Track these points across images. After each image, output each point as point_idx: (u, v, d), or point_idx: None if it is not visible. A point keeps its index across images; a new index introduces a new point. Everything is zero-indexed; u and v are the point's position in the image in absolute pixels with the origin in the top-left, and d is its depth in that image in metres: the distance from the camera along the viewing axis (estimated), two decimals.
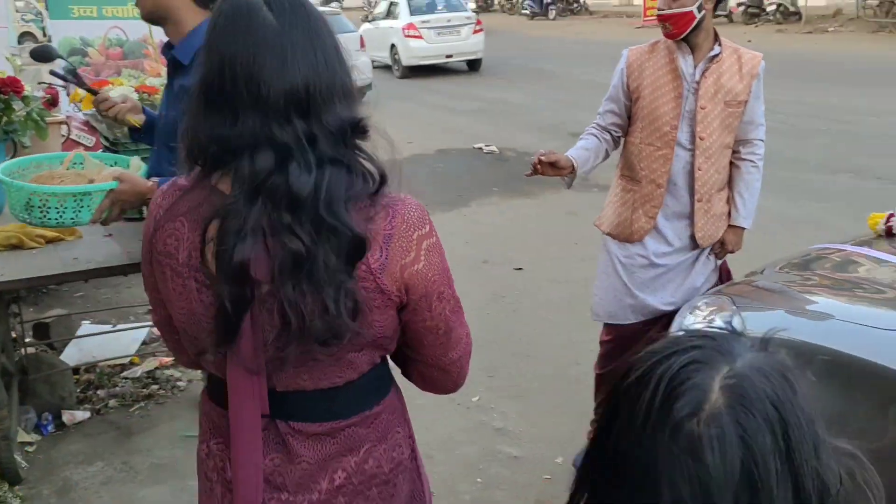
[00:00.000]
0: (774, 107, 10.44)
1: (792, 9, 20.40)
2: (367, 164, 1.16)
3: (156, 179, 2.06)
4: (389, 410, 1.32)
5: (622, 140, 2.91)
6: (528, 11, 27.04)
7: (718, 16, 21.56)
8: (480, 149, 9.04)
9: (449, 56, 14.58)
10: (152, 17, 2.30)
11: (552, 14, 26.20)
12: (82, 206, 2.05)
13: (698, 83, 2.66)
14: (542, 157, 2.63)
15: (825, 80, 12.16)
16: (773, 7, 20.65)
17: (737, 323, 2.05)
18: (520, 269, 5.39)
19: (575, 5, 27.08)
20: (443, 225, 7.00)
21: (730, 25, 21.36)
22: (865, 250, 2.26)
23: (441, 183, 7.75)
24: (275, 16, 1.11)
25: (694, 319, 2.25)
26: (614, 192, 2.94)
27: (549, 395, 3.69)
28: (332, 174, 1.10)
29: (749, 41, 18.22)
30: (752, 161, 2.79)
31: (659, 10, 2.60)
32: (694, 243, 2.80)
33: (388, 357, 1.33)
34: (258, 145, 1.09)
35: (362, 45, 12.77)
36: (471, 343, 1.34)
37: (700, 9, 2.56)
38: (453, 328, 1.26)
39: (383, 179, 1.16)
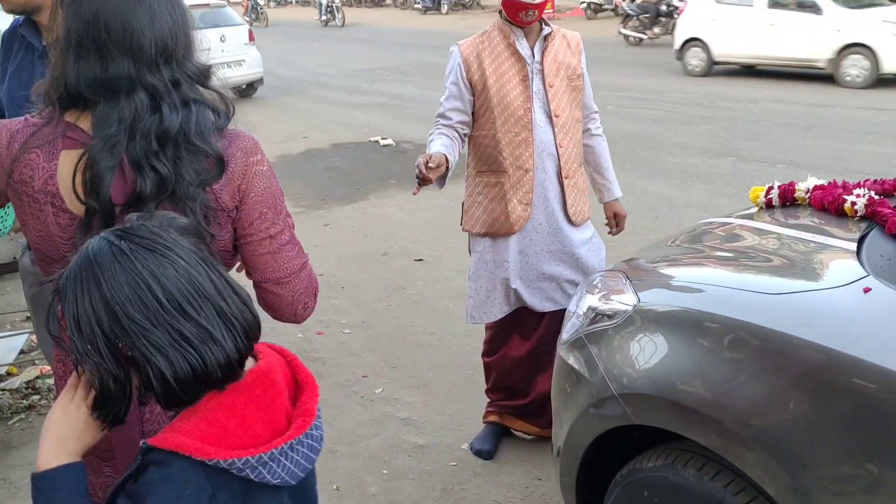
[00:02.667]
0: (661, 96, 10.87)
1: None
2: (219, 103, 1.37)
3: None
4: None
5: (466, 138, 2.84)
6: (420, 6, 27.07)
7: (605, 9, 22.24)
8: (377, 142, 8.98)
9: None
10: (24, 10, 2.20)
11: (444, 8, 26.33)
12: None
13: (541, 63, 2.71)
14: (431, 165, 2.49)
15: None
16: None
17: (627, 298, 2.08)
18: (420, 260, 5.37)
19: (467, 0, 27.29)
20: (341, 220, 6.93)
21: (616, 18, 22.00)
22: (748, 222, 2.34)
23: (338, 177, 7.64)
24: None
25: (592, 297, 2.27)
26: (476, 190, 2.86)
27: (452, 384, 3.68)
28: (199, 111, 1.30)
29: None
30: (600, 135, 2.95)
31: None
32: (567, 225, 2.81)
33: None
34: (133, 89, 1.25)
35: (251, 38, 12.42)
36: (311, 277, 1.49)
37: None
38: (280, 249, 1.43)
39: (230, 114, 1.38)
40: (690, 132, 8.65)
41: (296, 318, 1.50)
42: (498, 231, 2.82)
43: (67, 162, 1.27)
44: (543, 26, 2.75)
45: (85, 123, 1.28)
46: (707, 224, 2.50)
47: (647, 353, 1.93)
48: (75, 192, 1.25)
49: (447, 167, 2.61)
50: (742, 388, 1.69)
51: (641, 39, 16.58)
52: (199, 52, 1.38)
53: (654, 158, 7.57)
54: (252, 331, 1.12)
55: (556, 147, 2.73)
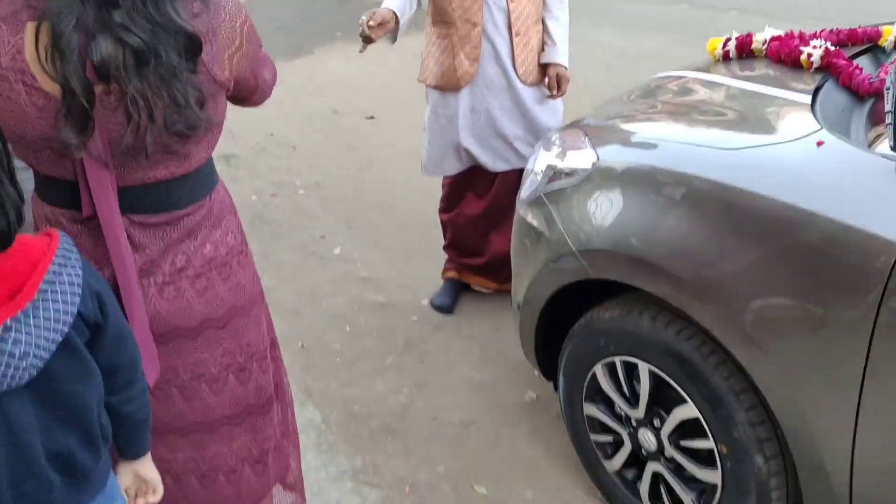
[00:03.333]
0: None
1: None
2: None
3: None
4: (220, 200, 1.46)
5: None
6: None
7: None
8: None
9: None
10: None
11: None
12: None
13: None
14: (371, 23, 2.43)
15: None
16: None
17: (587, 155, 2.10)
18: (371, 117, 5.28)
19: None
20: (287, 75, 6.63)
21: None
22: (704, 75, 2.34)
23: (281, 30, 7.33)
24: None
25: (549, 154, 2.28)
26: (430, 41, 2.80)
27: (410, 241, 3.73)
28: None
29: None
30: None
31: None
32: (519, 83, 2.76)
33: None
34: None
35: None
36: (274, 67, 1.54)
37: None
38: (262, 74, 1.45)
39: None
40: None
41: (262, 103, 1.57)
42: (447, 84, 2.78)
43: (35, 34, 1.15)
44: None
45: None
46: (663, 78, 2.50)
47: (604, 209, 1.97)
48: (42, 65, 1.14)
49: (396, 22, 2.53)
50: (695, 241, 1.75)
51: None
52: None
53: (596, 8, 7.38)
54: None
55: (507, 1, 2.64)
